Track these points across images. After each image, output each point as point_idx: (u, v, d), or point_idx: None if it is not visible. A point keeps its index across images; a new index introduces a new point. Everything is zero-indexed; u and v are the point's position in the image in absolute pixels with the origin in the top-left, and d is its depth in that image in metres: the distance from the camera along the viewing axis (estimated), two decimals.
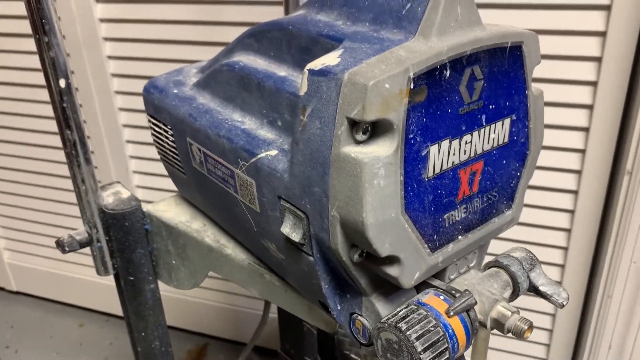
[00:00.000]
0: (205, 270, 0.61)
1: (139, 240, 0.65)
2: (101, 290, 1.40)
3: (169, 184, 1.16)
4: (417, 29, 0.36)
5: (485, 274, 0.45)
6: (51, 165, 1.27)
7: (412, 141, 0.35)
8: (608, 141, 0.81)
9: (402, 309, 0.39)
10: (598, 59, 0.79)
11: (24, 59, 1.17)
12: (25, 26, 1.12)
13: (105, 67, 1.08)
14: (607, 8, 0.76)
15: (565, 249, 0.92)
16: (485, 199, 0.42)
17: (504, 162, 0.42)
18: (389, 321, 0.38)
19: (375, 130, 0.35)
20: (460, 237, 0.41)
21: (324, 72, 0.35)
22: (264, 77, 0.45)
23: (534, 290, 0.46)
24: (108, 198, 0.65)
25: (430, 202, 0.37)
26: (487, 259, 0.47)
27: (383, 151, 0.34)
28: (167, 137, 0.56)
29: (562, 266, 0.94)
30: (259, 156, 0.43)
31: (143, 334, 0.72)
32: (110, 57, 1.08)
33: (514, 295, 0.45)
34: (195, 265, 0.62)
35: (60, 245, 0.63)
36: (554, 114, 0.83)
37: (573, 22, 0.78)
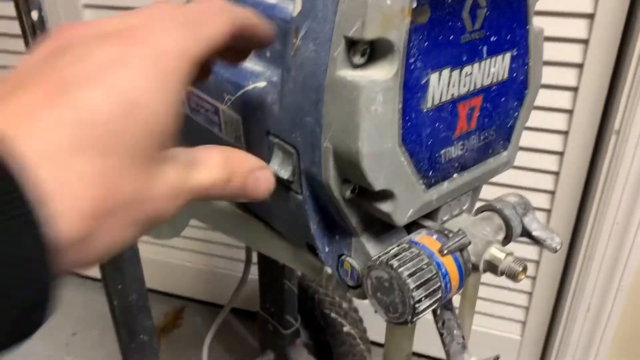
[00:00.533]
0: (187, 218, 0.59)
1: None
2: None
3: None
4: None
5: (478, 218, 0.44)
6: None
7: (412, 66, 0.33)
8: (596, 101, 0.81)
9: (393, 247, 0.38)
10: (590, 16, 0.77)
11: None
12: None
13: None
14: None
15: (549, 211, 0.92)
16: (482, 138, 0.40)
17: (503, 99, 0.41)
18: (380, 259, 0.37)
19: (374, 52, 0.32)
20: (455, 175, 0.39)
21: None
22: (251, 4, 0.42)
23: (527, 235, 0.44)
24: None
25: (427, 136, 0.36)
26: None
27: (382, 75, 0.32)
28: None
29: None
30: (246, 88, 0.41)
31: (120, 287, 0.70)
32: None
33: (507, 239, 0.44)
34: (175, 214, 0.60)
35: None
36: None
37: None
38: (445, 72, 0.35)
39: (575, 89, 0.81)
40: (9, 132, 0.20)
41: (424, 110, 0.35)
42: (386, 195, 0.36)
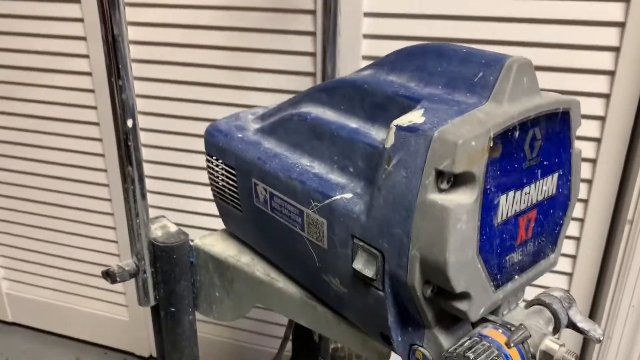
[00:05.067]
0: (252, 302, 0.64)
1: (184, 272, 0.68)
2: (98, 323, 1.40)
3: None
4: (490, 94, 0.42)
5: (531, 311, 0.50)
6: (52, 194, 1.29)
7: (488, 191, 0.40)
8: (610, 192, 0.89)
9: (466, 341, 0.44)
10: (602, 118, 0.86)
11: (24, 106, 1.20)
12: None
13: None
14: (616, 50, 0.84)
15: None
16: (536, 243, 0.47)
17: (552, 211, 0.48)
18: (456, 351, 0.43)
19: (457, 180, 0.40)
20: (517, 276, 0.46)
21: (412, 129, 0.41)
22: (337, 127, 0.50)
23: (572, 326, 0.51)
24: (156, 231, 0.68)
25: (497, 245, 0.43)
26: None
27: (465, 199, 0.39)
28: (228, 177, 0.61)
29: None
30: (334, 198, 0.48)
31: None
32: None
33: (555, 330, 0.50)
34: (241, 298, 0.66)
35: (110, 275, 0.66)
36: None
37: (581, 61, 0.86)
38: (511, 193, 0.42)
39: (590, 181, 0.90)
40: None
41: (495, 225, 0.42)
42: (464, 296, 0.42)
